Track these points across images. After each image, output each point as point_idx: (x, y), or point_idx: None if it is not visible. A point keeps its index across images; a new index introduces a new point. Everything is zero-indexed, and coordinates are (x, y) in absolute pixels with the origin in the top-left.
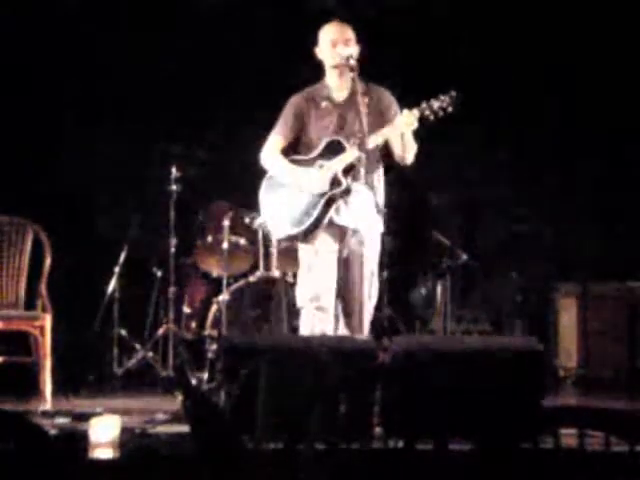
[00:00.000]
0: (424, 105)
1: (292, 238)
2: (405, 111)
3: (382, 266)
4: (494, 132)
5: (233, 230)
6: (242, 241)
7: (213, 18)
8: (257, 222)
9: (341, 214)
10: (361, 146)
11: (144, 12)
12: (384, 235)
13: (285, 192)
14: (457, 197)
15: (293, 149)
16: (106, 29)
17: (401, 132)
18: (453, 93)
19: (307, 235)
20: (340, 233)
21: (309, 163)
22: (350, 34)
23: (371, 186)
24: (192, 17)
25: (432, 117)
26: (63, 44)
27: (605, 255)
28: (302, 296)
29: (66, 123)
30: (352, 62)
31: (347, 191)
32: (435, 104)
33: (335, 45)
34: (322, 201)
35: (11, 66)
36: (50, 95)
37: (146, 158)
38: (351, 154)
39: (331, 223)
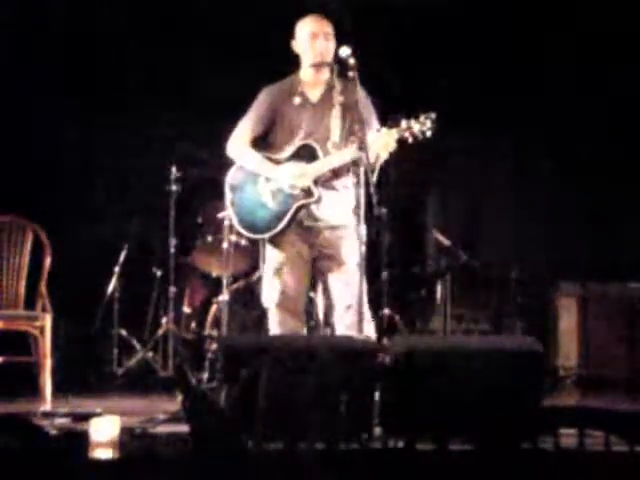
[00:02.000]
0: (404, 126)
1: (261, 241)
2: (384, 130)
3: (381, 266)
4: (494, 131)
5: (233, 230)
6: (242, 241)
7: (214, 18)
8: (221, 215)
9: (314, 216)
10: (362, 147)
11: (145, 11)
12: (383, 235)
13: (255, 195)
14: (457, 197)
15: (261, 141)
16: (105, 29)
17: (377, 154)
18: (433, 115)
19: (276, 238)
20: (313, 234)
21: (279, 164)
22: (329, 28)
23: (338, 186)
24: (193, 17)
25: (410, 140)
26: (62, 47)
27: (605, 255)
28: (270, 298)
29: (66, 122)
30: (351, 61)
31: (317, 201)
32: (415, 127)
33: (315, 38)
34: (293, 209)
35: (10, 68)
36: (50, 94)
37: (146, 158)
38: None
39: (301, 225)
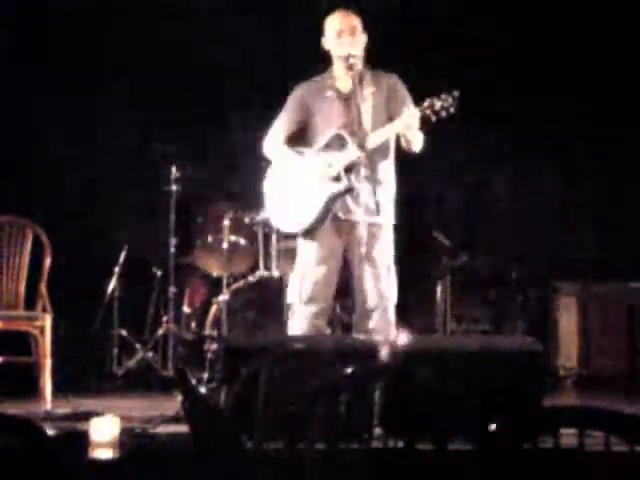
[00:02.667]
0: (426, 104)
1: (295, 235)
2: (405, 111)
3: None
4: (494, 131)
5: (233, 230)
6: (242, 241)
7: (214, 17)
8: (259, 218)
9: (349, 209)
10: (362, 145)
11: (145, 10)
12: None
13: (288, 189)
14: (457, 197)
15: (297, 138)
16: (104, 27)
17: (403, 133)
18: (456, 93)
19: (309, 232)
20: (347, 228)
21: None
22: (356, 22)
23: (375, 180)
24: (193, 15)
25: (434, 118)
26: (62, 47)
27: (605, 255)
28: (297, 294)
29: (65, 122)
30: (352, 61)
31: (349, 190)
32: (437, 104)
33: (341, 35)
34: (325, 199)
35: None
36: (49, 93)
37: (146, 158)
38: (352, 153)
39: (337, 219)
